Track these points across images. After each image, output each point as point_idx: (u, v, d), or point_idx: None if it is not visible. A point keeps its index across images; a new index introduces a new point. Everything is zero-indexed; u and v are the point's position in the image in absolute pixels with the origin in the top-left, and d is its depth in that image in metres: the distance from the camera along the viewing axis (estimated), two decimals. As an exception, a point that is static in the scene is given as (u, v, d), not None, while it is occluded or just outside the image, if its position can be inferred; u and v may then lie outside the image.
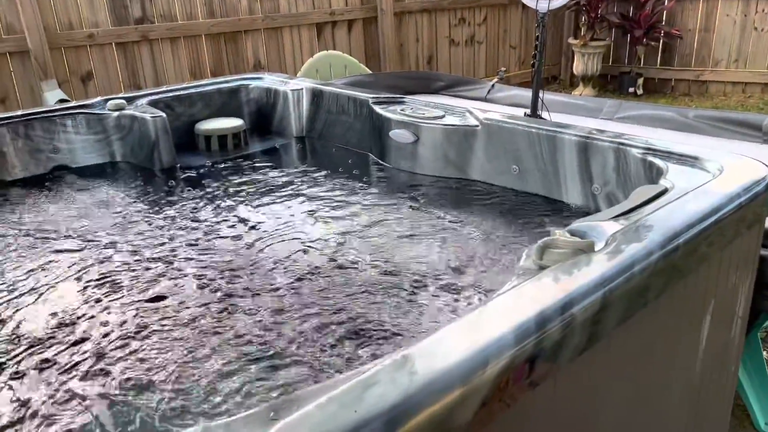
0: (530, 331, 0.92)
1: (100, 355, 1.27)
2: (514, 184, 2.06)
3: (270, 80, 2.92)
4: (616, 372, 1.18)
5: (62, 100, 3.85)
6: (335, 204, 2.05)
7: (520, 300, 0.99)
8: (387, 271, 1.60)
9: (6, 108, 4.03)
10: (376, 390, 0.79)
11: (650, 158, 1.69)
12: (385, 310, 1.42)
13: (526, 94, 3.63)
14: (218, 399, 1.15)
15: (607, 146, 1.82)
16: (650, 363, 1.28)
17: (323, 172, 2.37)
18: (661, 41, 7.44)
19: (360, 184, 2.22)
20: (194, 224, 1.92)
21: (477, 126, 2.14)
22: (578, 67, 7.38)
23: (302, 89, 2.78)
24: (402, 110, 2.34)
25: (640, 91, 7.37)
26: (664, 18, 7.38)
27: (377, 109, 2.41)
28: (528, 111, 2.54)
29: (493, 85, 3.91)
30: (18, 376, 1.22)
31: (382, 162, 2.41)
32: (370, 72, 4.58)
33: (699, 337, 1.41)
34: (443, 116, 2.25)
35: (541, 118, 2.42)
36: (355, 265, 1.63)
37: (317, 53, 4.59)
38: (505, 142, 2.06)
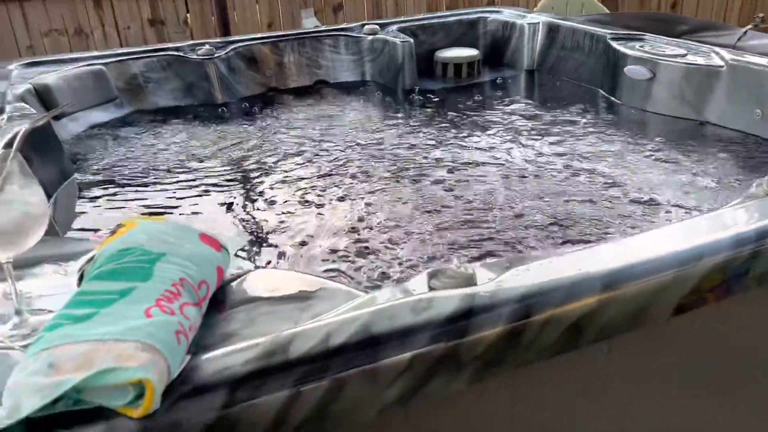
0: (749, 240, 0.99)
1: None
2: (755, 130, 1.99)
3: (508, 14, 3.03)
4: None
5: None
6: (561, 135, 2.16)
7: (743, 214, 1.06)
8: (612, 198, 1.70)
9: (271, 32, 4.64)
10: (597, 258, 0.95)
11: None
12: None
13: (786, 42, 3.28)
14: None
15: None
16: None
17: (553, 105, 2.47)
18: None
19: (589, 118, 2.28)
20: (430, 140, 2.17)
21: (722, 66, 2.07)
22: None
23: (539, 23, 2.85)
24: (641, 47, 2.33)
25: None
26: None
27: (614, 44, 2.42)
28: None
29: (745, 32, 3.57)
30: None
31: (612, 98, 2.43)
32: (608, 12, 4.42)
33: None
34: (685, 55, 2.20)
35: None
36: (581, 192, 1.75)
37: (554, -10, 4.53)
38: (752, 85, 1.98)
